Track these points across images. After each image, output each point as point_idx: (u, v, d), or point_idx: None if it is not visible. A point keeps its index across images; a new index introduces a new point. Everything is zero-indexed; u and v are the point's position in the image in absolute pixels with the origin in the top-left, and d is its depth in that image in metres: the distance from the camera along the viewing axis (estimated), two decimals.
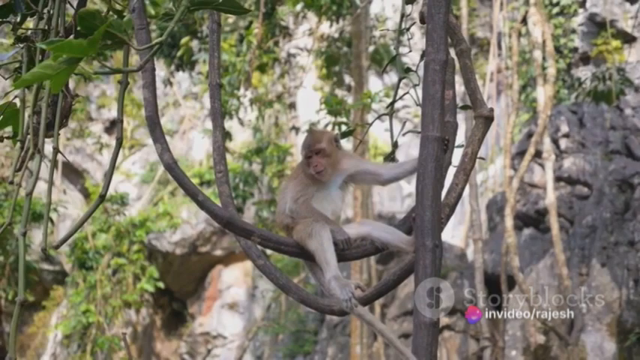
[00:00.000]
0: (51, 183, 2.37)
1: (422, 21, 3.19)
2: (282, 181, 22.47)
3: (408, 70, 3.76)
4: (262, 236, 2.78)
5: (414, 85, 3.69)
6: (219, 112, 3.13)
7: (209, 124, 27.27)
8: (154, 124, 2.71)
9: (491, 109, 3.08)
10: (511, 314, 16.95)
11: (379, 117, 4.15)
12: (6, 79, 2.69)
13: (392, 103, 3.77)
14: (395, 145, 3.75)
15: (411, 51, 3.90)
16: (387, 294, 3.26)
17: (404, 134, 3.85)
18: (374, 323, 2.99)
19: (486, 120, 3.08)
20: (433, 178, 2.68)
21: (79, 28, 2.16)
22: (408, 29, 3.89)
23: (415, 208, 2.72)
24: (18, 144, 2.50)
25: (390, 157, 3.70)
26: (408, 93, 3.77)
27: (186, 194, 2.75)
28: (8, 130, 2.67)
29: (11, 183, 2.48)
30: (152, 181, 28.39)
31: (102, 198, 2.48)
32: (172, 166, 2.67)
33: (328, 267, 2.80)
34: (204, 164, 27.37)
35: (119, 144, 2.45)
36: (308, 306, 3.07)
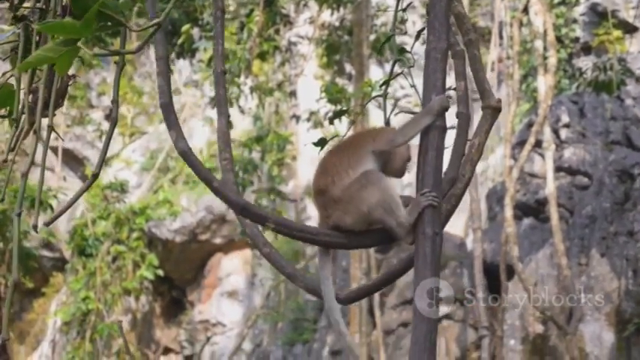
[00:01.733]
0: (44, 161, 2.36)
1: (429, 13, 3.17)
2: (281, 169, 22.51)
3: (403, 50, 3.73)
4: (276, 222, 2.76)
5: (409, 67, 3.68)
6: (224, 100, 3.12)
7: (210, 112, 27.29)
8: (168, 112, 2.69)
9: (499, 100, 3.07)
10: (510, 303, 16.99)
11: (373, 98, 4.12)
12: (3, 59, 2.68)
13: (386, 82, 3.74)
14: (387, 125, 3.73)
15: (406, 33, 3.88)
16: (392, 283, 3.24)
17: (396, 114, 3.83)
18: (339, 324, 2.94)
19: (494, 111, 3.07)
20: (434, 167, 2.67)
21: (73, 10, 2.15)
22: (404, 10, 3.87)
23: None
24: (13, 124, 2.49)
25: None
26: (402, 73, 3.75)
27: (201, 181, 2.74)
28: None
29: (5, 162, 2.47)
30: (152, 169, 28.39)
31: (95, 177, 2.47)
32: (187, 153, 2.66)
33: (398, 207, 2.74)
34: (205, 152, 27.36)
35: (114, 124, 2.44)
36: (315, 295, 3.04)
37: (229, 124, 3.16)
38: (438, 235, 2.62)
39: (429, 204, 2.62)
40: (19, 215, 2.27)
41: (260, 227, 2.98)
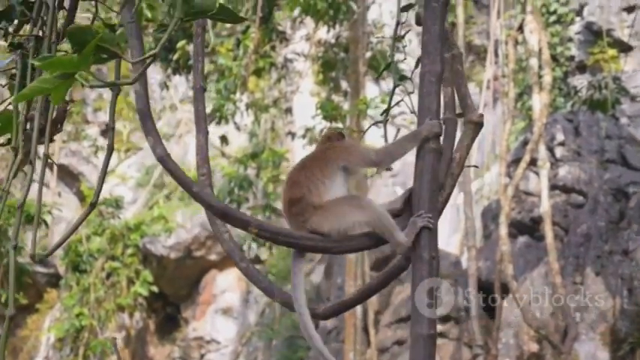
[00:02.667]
0: (41, 191, 2.35)
1: (418, 23, 3.18)
2: (277, 186, 22.50)
3: (403, 77, 3.74)
4: (259, 226, 2.75)
5: (409, 93, 3.69)
6: (203, 116, 3.12)
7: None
8: (145, 117, 2.70)
9: (481, 115, 3.08)
10: (505, 322, 16.96)
11: (375, 124, 4.14)
12: (3, 86, 2.68)
13: (386, 110, 3.75)
14: None
15: (406, 58, 3.89)
16: (369, 298, 3.22)
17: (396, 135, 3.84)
18: (308, 329, 2.93)
19: (476, 125, 3.07)
20: (429, 190, 2.68)
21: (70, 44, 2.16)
22: (403, 37, 3.88)
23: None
24: (12, 152, 2.48)
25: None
26: (402, 100, 3.76)
27: (180, 186, 2.74)
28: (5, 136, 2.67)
29: (3, 190, 2.46)
30: (147, 185, 28.37)
31: (92, 206, 2.46)
32: (165, 159, 2.66)
33: (396, 230, 2.75)
34: None
35: (110, 151, 2.43)
36: (290, 309, 3.05)
37: (222, 141, 3.17)
38: (435, 259, 2.63)
39: (425, 225, 2.62)
40: (15, 248, 2.24)
41: (239, 239, 2.97)
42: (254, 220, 2.77)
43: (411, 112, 3.17)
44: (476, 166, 9.08)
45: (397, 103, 3.73)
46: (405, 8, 3.70)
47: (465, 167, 3.02)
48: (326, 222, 2.83)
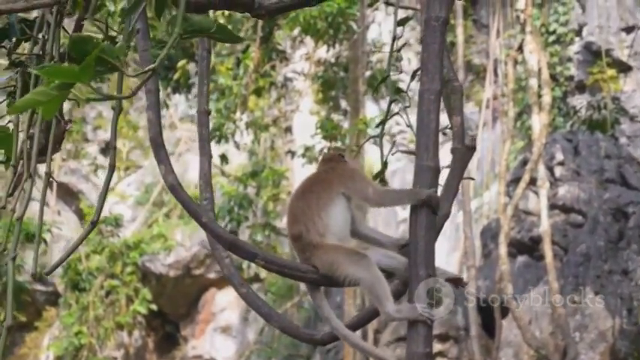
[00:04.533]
0: (42, 209, 2.36)
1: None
2: (277, 205, 22.53)
3: (399, 90, 3.76)
4: (266, 259, 2.77)
5: (405, 107, 3.70)
6: (207, 139, 3.14)
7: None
8: (158, 146, 2.71)
9: (473, 139, 3.10)
10: (504, 341, 16.93)
11: (371, 137, 4.16)
12: (0, 102, 2.70)
13: (382, 122, 3.77)
14: (385, 165, 3.75)
15: (402, 72, 3.91)
16: (372, 320, 3.24)
17: (393, 154, 3.85)
18: (358, 344, 2.97)
19: (468, 150, 3.10)
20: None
21: (71, 54, 2.17)
22: (399, 50, 3.89)
23: (409, 238, 2.71)
24: (11, 169, 2.50)
25: (380, 177, 3.70)
26: (398, 113, 3.78)
27: (190, 215, 2.75)
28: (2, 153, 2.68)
29: (3, 208, 2.47)
30: (147, 203, 28.35)
31: (93, 225, 2.48)
32: (176, 188, 2.68)
33: (387, 300, 2.76)
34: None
35: (112, 170, 2.45)
36: (289, 334, 3.05)
37: (222, 160, 3.20)
38: (432, 277, 2.64)
39: (423, 321, 2.61)
40: (13, 259, 2.25)
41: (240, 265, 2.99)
42: (261, 252, 2.78)
43: (407, 126, 3.18)
44: (471, 178, 9.09)
45: (393, 115, 3.75)
46: (402, 22, 3.72)
47: (464, 185, 3.04)
48: (323, 266, 2.84)
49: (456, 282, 2.90)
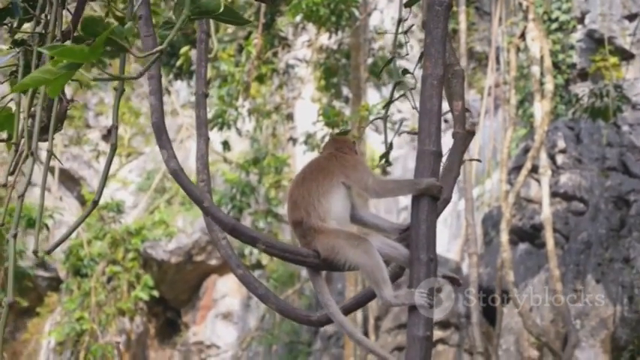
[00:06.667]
0: (44, 186, 2.37)
1: (424, 27, 3.18)
2: (278, 191, 22.53)
3: (405, 72, 3.73)
4: (267, 243, 2.77)
5: (410, 89, 3.69)
6: (205, 121, 3.14)
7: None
8: (160, 131, 2.72)
9: (473, 124, 3.10)
10: (505, 329, 16.96)
11: (375, 120, 4.14)
12: (2, 83, 2.70)
13: (387, 104, 3.75)
14: (390, 146, 3.74)
15: (407, 54, 3.88)
16: (365, 305, 3.25)
17: (400, 134, 3.85)
18: (353, 334, 2.98)
19: (468, 134, 3.10)
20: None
21: (80, 34, 2.17)
22: (405, 32, 3.86)
23: (410, 222, 2.72)
24: (13, 147, 2.50)
25: (385, 158, 3.69)
26: (404, 94, 3.76)
27: (191, 200, 2.75)
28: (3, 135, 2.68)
29: (4, 186, 2.48)
30: (148, 190, 28.36)
31: (95, 204, 2.48)
32: (178, 173, 2.69)
33: (386, 285, 2.77)
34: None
35: (113, 150, 2.45)
36: (286, 316, 3.06)
37: (224, 146, 3.19)
38: (433, 261, 2.64)
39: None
40: (14, 236, 2.27)
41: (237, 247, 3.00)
42: (262, 236, 2.79)
43: (413, 108, 3.18)
44: (478, 160, 9.06)
45: (398, 98, 3.73)
46: (409, 3, 3.68)
47: (466, 173, 3.04)
48: (324, 250, 2.85)
49: (452, 281, 2.92)
